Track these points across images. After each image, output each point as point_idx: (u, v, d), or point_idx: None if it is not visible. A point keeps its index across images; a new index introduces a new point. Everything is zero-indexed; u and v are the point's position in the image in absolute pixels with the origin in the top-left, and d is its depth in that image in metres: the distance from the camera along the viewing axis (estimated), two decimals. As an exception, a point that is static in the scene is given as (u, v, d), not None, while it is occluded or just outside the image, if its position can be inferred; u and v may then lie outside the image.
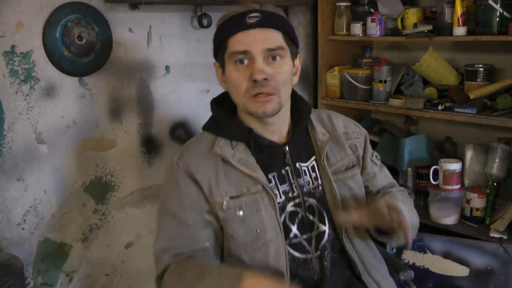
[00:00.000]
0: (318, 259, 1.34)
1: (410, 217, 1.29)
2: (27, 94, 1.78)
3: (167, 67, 2.13)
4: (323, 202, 1.37)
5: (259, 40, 1.24)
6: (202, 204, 1.30)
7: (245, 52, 1.25)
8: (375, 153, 1.53)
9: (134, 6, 1.98)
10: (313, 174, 1.38)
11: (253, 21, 1.24)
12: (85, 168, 1.96)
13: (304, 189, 1.36)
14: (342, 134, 1.45)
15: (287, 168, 1.35)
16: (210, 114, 2.17)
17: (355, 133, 1.48)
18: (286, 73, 1.29)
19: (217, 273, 1.20)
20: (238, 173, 1.30)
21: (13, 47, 1.73)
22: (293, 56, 1.34)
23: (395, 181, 1.57)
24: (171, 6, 2.09)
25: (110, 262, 2.08)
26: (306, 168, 1.38)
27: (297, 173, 1.36)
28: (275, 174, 1.34)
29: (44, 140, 1.84)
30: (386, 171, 1.55)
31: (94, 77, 1.93)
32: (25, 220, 1.83)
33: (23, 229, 1.83)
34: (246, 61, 1.26)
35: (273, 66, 1.26)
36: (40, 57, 1.78)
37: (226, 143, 1.32)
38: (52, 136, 1.86)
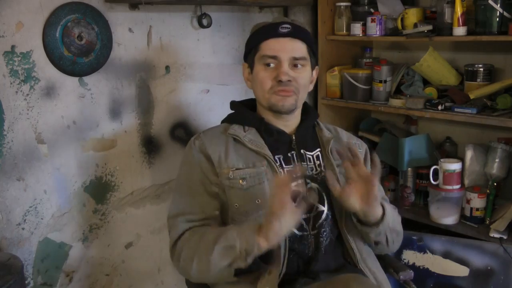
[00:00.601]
0: (315, 236, 1.44)
1: (392, 218, 1.46)
2: (27, 94, 1.78)
3: (167, 67, 2.13)
4: (324, 185, 1.46)
5: (287, 48, 1.46)
6: (211, 177, 1.45)
7: (274, 57, 1.46)
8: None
9: (134, 6, 1.98)
10: (317, 162, 1.53)
11: (284, 31, 1.46)
12: (85, 168, 1.96)
13: (307, 173, 1.48)
14: (345, 143, 1.59)
15: (292, 152, 1.51)
16: (210, 114, 2.18)
17: (357, 145, 1.63)
18: (305, 79, 1.51)
19: (236, 227, 1.31)
20: (247, 150, 1.47)
21: (13, 47, 1.72)
22: (312, 66, 1.55)
23: (387, 199, 1.64)
24: (171, 6, 2.09)
25: (110, 262, 2.08)
26: (310, 156, 1.53)
27: (302, 158, 1.51)
28: (281, 156, 1.49)
29: (44, 140, 1.84)
30: (381, 187, 1.62)
31: (94, 77, 1.93)
32: (25, 220, 1.83)
33: (23, 229, 1.83)
34: (272, 65, 1.47)
35: (296, 71, 1.48)
36: (40, 57, 1.78)
37: (239, 127, 1.52)
38: (52, 136, 1.85)
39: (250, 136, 1.49)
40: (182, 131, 2.22)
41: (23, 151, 1.79)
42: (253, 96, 1.60)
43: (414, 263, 2.02)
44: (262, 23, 1.54)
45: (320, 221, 1.44)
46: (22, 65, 1.75)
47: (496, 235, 1.92)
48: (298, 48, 1.48)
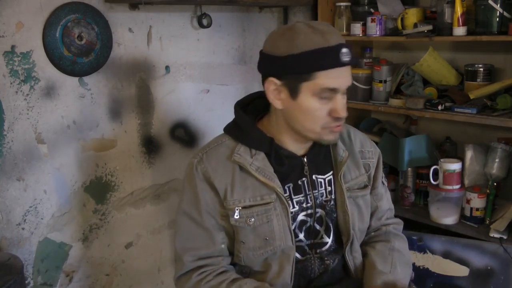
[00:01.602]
0: (319, 259, 1.41)
1: (403, 272, 1.42)
2: (27, 94, 1.78)
3: (167, 67, 2.13)
4: (331, 215, 1.42)
5: (346, 79, 1.27)
6: (217, 208, 1.35)
7: (334, 90, 1.25)
8: (384, 175, 1.58)
9: (134, 6, 1.98)
10: (328, 188, 1.42)
11: (347, 59, 1.24)
12: (85, 168, 1.96)
13: (317, 201, 1.40)
14: (358, 152, 1.48)
15: (303, 179, 1.39)
16: (210, 114, 2.17)
17: (370, 153, 1.51)
18: None
19: None
20: (254, 180, 1.33)
21: (13, 47, 1.72)
22: None
23: (392, 207, 1.62)
24: (171, 6, 2.09)
25: (110, 262, 2.08)
26: (322, 181, 1.41)
27: (313, 185, 1.40)
28: (291, 185, 1.38)
29: (44, 140, 1.84)
30: (389, 195, 1.61)
31: (94, 77, 1.93)
32: (25, 220, 1.83)
33: (23, 229, 1.83)
34: (327, 96, 1.26)
35: (344, 99, 1.29)
36: (40, 57, 1.78)
37: (245, 150, 1.35)
38: (52, 136, 1.85)
39: (258, 163, 1.33)
40: (182, 131, 2.22)
41: (23, 151, 1.79)
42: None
43: (414, 263, 2.02)
44: (313, 39, 1.23)
45: (323, 249, 1.41)
46: (22, 65, 1.75)
47: (496, 235, 1.92)
48: (351, 75, 1.30)
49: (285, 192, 1.36)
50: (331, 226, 1.42)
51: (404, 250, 1.51)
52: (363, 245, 1.50)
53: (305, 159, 1.39)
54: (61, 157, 1.89)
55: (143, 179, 2.13)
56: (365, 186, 1.47)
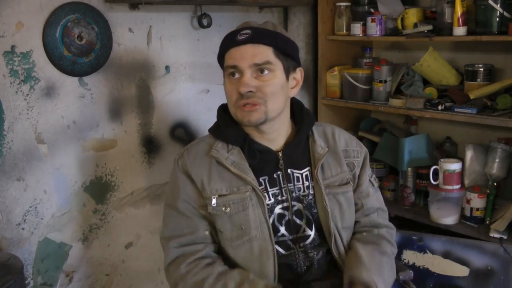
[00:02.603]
0: (303, 252, 1.43)
1: (388, 276, 1.44)
2: (27, 94, 1.78)
3: (167, 67, 2.13)
4: (311, 209, 1.45)
5: (247, 56, 1.34)
6: (196, 199, 1.42)
7: (234, 67, 1.35)
8: (374, 175, 1.61)
9: (134, 6, 1.98)
10: (306, 183, 1.45)
11: (243, 37, 1.35)
12: (85, 168, 1.96)
13: (294, 194, 1.44)
14: (341, 151, 1.51)
15: (278, 172, 1.44)
16: (210, 114, 2.19)
17: (355, 152, 1.55)
18: (275, 85, 1.36)
19: None
20: (230, 174, 1.40)
21: (13, 47, 1.72)
22: (287, 70, 1.40)
23: (385, 209, 1.61)
24: (171, 6, 2.09)
25: (110, 262, 2.08)
26: (299, 175, 1.45)
27: (288, 178, 1.44)
28: (266, 177, 1.43)
29: (44, 140, 1.84)
30: (380, 195, 1.62)
31: (94, 77, 1.93)
32: (25, 220, 1.83)
33: (23, 229, 1.83)
34: (237, 75, 1.36)
35: (261, 79, 1.35)
36: (40, 57, 1.78)
37: (223, 146, 1.43)
38: (52, 136, 1.86)
39: (233, 158, 1.40)
40: (182, 131, 2.22)
41: (23, 151, 1.79)
42: None
43: (414, 263, 2.02)
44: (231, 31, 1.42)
45: (307, 243, 1.43)
46: (22, 65, 1.75)
47: (496, 235, 1.92)
48: (260, 53, 1.34)
49: (260, 185, 1.41)
50: (312, 220, 1.44)
51: (393, 257, 1.53)
52: (353, 240, 1.50)
53: (280, 154, 1.44)
54: (61, 157, 1.89)
55: (143, 179, 2.13)
56: (347, 183, 1.49)
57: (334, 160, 1.49)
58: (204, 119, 2.27)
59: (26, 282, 1.84)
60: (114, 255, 2.09)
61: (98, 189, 2.00)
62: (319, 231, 1.45)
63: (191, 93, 2.22)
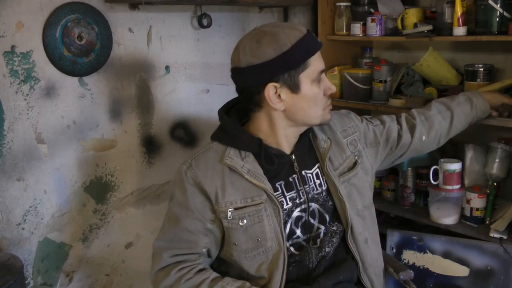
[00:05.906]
0: (315, 248, 1.42)
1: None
2: (27, 94, 1.78)
3: (167, 67, 2.13)
4: (326, 205, 1.45)
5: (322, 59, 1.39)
6: (206, 213, 1.38)
7: (323, 70, 1.37)
8: (367, 118, 1.65)
9: (134, 6, 1.98)
10: (317, 181, 1.45)
11: (319, 41, 1.37)
12: (85, 168, 1.96)
13: (309, 195, 1.43)
14: (340, 135, 1.52)
15: (294, 176, 1.43)
16: (210, 114, 2.18)
17: (352, 128, 1.56)
18: None
19: None
20: (245, 182, 1.36)
21: (13, 47, 1.73)
22: None
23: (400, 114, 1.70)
24: (171, 6, 2.09)
25: (110, 262, 2.08)
26: (311, 175, 1.45)
27: (303, 180, 1.43)
28: (282, 182, 1.41)
29: (44, 140, 1.84)
30: (385, 116, 1.68)
31: (94, 77, 1.93)
32: (25, 220, 1.83)
33: (23, 229, 1.83)
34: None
35: None
36: (40, 57, 1.78)
37: (235, 153, 1.38)
38: (52, 136, 1.86)
39: (248, 166, 1.36)
40: (182, 131, 2.22)
41: (23, 151, 1.79)
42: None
43: (414, 263, 2.02)
44: (286, 34, 1.29)
45: (319, 239, 1.44)
46: (22, 65, 1.75)
47: (496, 235, 1.92)
48: None
49: (277, 190, 1.39)
50: (327, 217, 1.44)
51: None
52: (428, 113, 1.69)
53: (293, 156, 1.43)
54: (61, 157, 1.89)
55: (143, 179, 2.13)
56: (355, 165, 1.50)
57: (337, 148, 1.50)
58: (204, 119, 2.27)
59: (26, 282, 1.84)
60: (114, 255, 2.09)
61: (98, 189, 2.00)
62: (336, 220, 1.45)
63: (191, 93, 2.22)
